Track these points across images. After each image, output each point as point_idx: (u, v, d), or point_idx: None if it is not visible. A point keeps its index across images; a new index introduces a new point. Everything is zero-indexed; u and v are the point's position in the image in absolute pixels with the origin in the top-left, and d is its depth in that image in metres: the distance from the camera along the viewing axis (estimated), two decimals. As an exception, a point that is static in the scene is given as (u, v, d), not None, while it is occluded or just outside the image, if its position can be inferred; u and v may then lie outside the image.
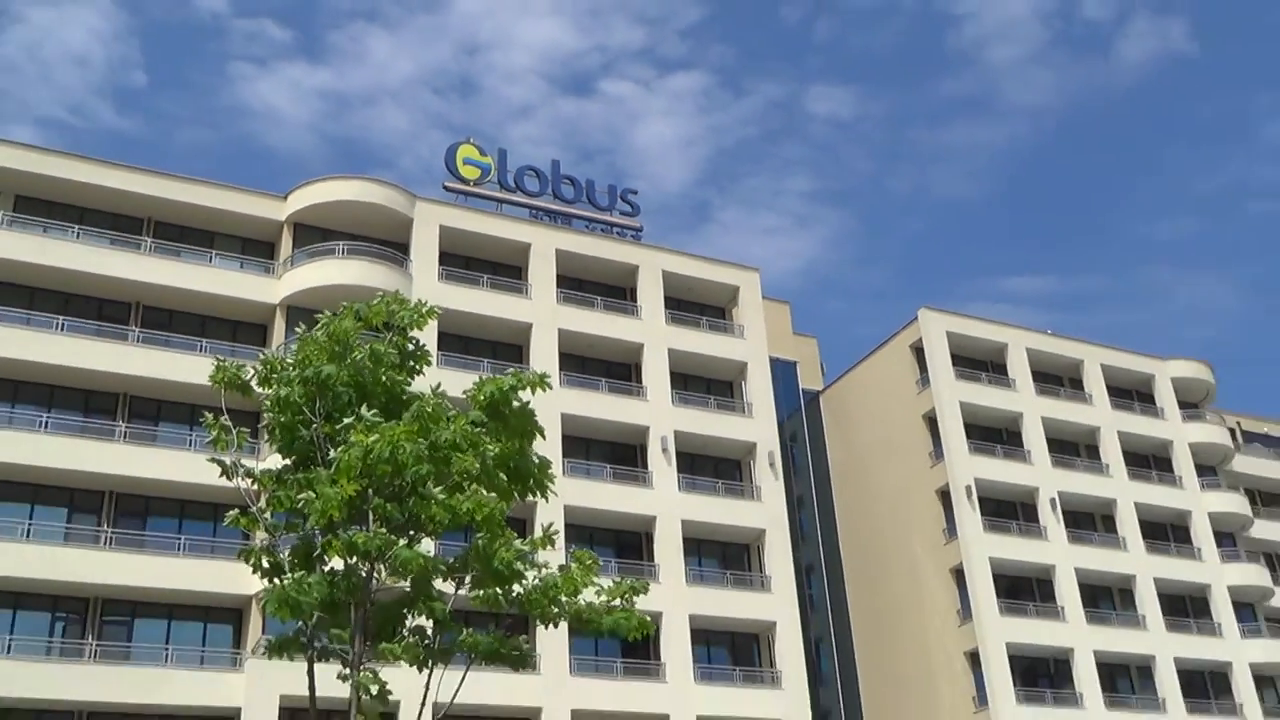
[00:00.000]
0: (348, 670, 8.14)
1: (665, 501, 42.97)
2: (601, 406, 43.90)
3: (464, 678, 9.36)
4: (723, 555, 44.98)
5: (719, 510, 44.31)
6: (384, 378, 8.88)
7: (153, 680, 34.11)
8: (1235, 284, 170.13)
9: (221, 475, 9.00)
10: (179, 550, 36.24)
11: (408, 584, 8.83)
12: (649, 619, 9.19)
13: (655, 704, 39.71)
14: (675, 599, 41.09)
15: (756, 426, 46.74)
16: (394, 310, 10.21)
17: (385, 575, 8.56)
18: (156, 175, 41.54)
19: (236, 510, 8.93)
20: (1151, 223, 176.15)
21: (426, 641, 8.64)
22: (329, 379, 9.01)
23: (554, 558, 9.42)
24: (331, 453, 8.27)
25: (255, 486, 9.02)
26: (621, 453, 44.50)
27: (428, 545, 8.11)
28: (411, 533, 8.07)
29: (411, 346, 9.87)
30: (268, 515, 8.52)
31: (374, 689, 8.50)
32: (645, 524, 42.55)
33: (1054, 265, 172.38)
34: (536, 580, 9.06)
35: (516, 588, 9.01)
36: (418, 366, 9.61)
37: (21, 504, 35.85)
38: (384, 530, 8.24)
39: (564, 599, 8.81)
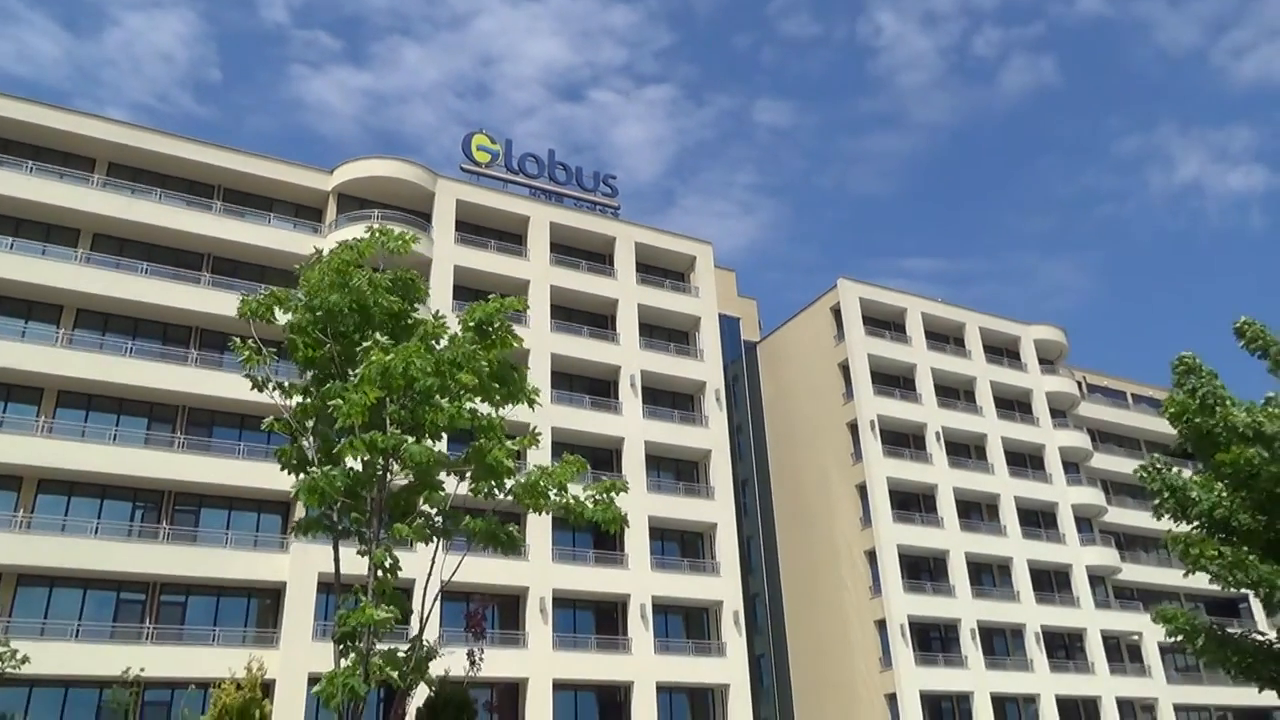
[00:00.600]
0: (366, 547, 7.69)
1: (632, 425, 42.64)
2: (583, 349, 43.44)
3: (463, 558, 8.89)
4: (676, 470, 44.76)
5: (675, 434, 44.03)
6: (383, 301, 8.37)
7: (214, 559, 33.57)
8: (1084, 268, 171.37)
9: (254, 388, 8.48)
10: (238, 454, 35.50)
11: (415, 477, 8.36)
12: (624, 513, 8.77)
13: (619, 585, 39.61)
14: (637, 504, 40.75)
15: (706, 368, 46.37)
16: (383, 240, 9.73)
17: (398, 469, 8.07)
18: (225, 149, 40.31)
19: (273, 417, 8.42)
20: (1021, 218, 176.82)
21: (432, 524, 8.17)
22: (335, 306, 8.48)
23: (540, 457, 8.97)
24: (350, 371, 7.80)
25: (286, 398, 8.49)
26: (598, 386, 44.06)
27: (433, 446, 7.68)
28: (419, 435, 7.60)
29: (406, 279, 9.32)
30: (298, 420, 8.03)
31: (388, 562, 8.03)
32: (615, 443, 42.21)
33: (944, 250, 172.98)
34: (522, 477, 8.58)
35: (508, 481, 8.53)
36: (415, 296, 9.08)
37: (109, 414, 35.00)
38: (398, 431, 7.76)
39: (552, 492, 8.36)
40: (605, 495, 8.70)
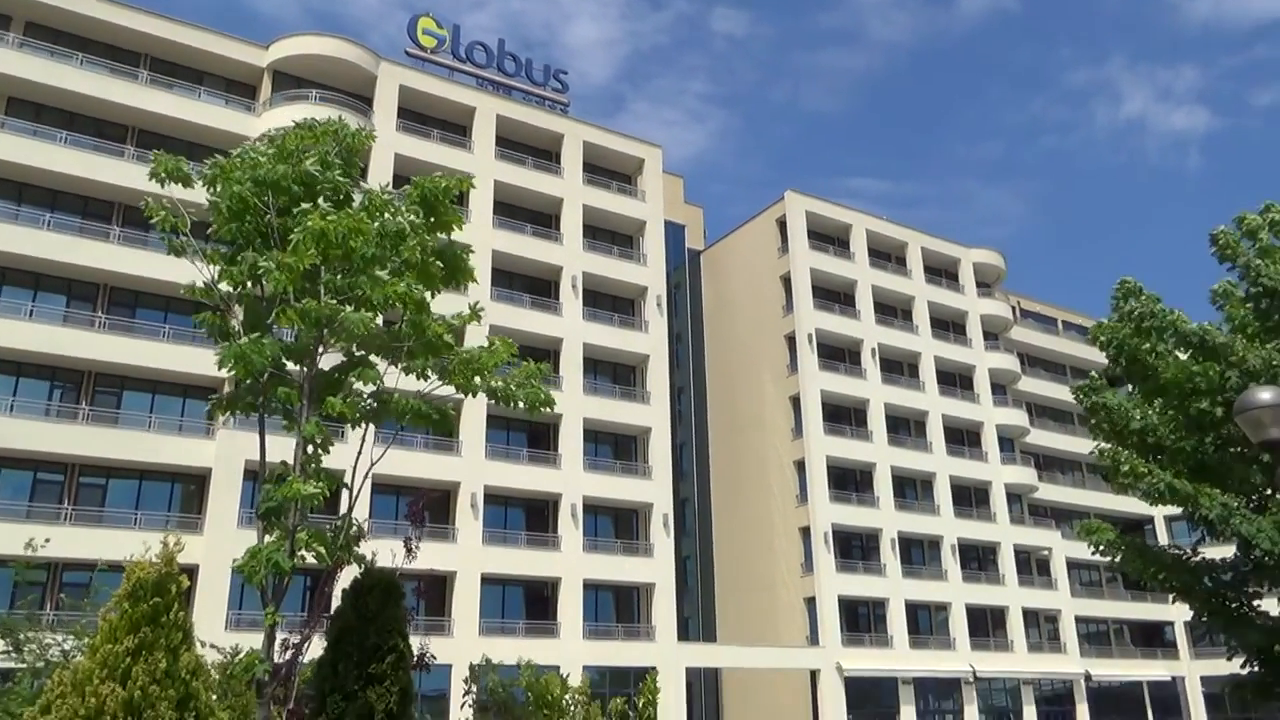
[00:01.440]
0: (294, 423, 7.30)
1: (571, 327, 42.30)
2: (525, 247, 42.65)
3: (392, 439, 8.56)
4: (614, 374, 44.70)
5: (614, 338, 43.82)
6: (332, 178, 7.79)
7: (137, 442, 32.72)
8: (1024, 198, 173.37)
9: (171, 253, 7.87)
10: (163, 337, 34.35)
11: (353, 349, 7.94)
12: (553, 399, 8.51)
13: (551, 484, 39.81)
14: (573, 405, 40.84)
15: (649, 274, 45.98)
16: (339, 131, 9.08)
17: (332, 340, 7.64)
18: (155, 16, 37.88)
19: (194, 282, 7.86)
20: (967, 145, 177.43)
21: (363, 403, 7.80)
22: (282, 177, 7.87)
23: (477, 338, 8.58)
24: (283, 240, 7.28)
25: (209, 265, 7.88)
26: (539, 286, 43.44)
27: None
28: (356, 308, 7.19)
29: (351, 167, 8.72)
30: (222, 286, 7.47)
31: (319, 437, 7.65)
32: (554, 344, 41.83)
33: (889, 172, 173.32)
34: (464, 353, 8.24)
35: (446, 360, 8.16)
36: (356, 175, 8.50)
37: (25, 289, 33.44)
38: (334, 302, 7.31)
39: (486, 373, 8.05)
40: (530, 380, 8.41)
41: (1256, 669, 12.48)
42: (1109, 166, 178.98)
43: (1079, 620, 55.21)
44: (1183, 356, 12.01)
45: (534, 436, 40.90)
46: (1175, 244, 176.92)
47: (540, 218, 44.68)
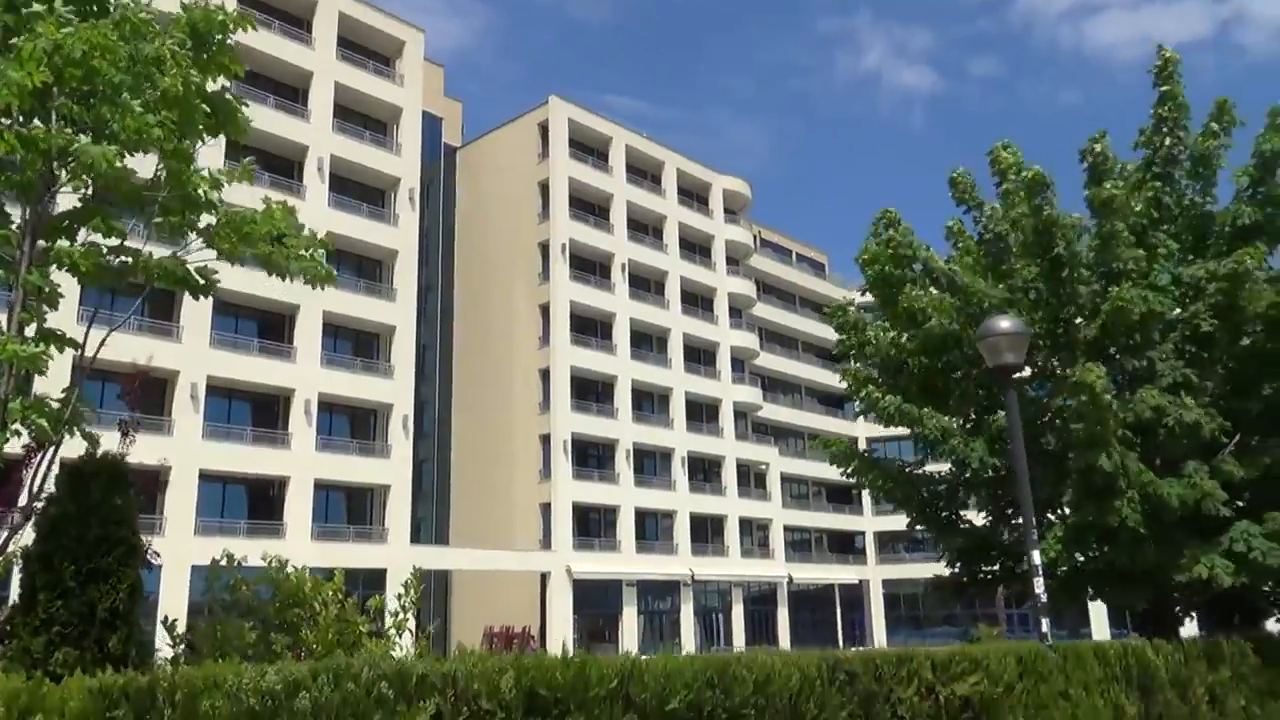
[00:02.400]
0: (12, 274, 6.09)
1: (315, 213, 39.24)
2: (266, 120, 38.55)
3: (139, 303, 7.45)
4: (359, 266, 42.45)
5: (361, 228, 41.48)
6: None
7: None
8: (769, 135, 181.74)
9: None
10: None
11: (89, 195, 6.72)
12: (334, 274, 7.74)
13: (284, 379, 37.54)
14: (313, 296, 38.48)
15: (403, 165, 43.80)
16: None
17: (66, 180, 6.42)
18: None
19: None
20: (722, 76, 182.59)
21: (105, 256, 6.65)
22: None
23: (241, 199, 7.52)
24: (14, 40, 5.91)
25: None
26: (280, 165, 40.00)
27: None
28: (97, 140, 5.98)
29: None
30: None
31: (45, 289, 6.45)
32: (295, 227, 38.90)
33: (646, 93, 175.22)
34: (233, 213, 7.22)
35: (206, 218, 7.11)
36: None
37: None
38: (69, 131, 6.09)
39: (257, 240, 7.11)
40: (310, 251, 7.54)
41: (957, 570, 13.99)
42: (845, 116, 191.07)
43: (786, 529, 60.19)
44: (933, 291, 12.94)
45: (267, 326, 38.25)
46: (896, 192, 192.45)
47: (284, 89, 41.01)
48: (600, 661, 5.64)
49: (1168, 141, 13.37)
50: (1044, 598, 9.48)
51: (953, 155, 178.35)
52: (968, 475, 12.83)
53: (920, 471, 14.04)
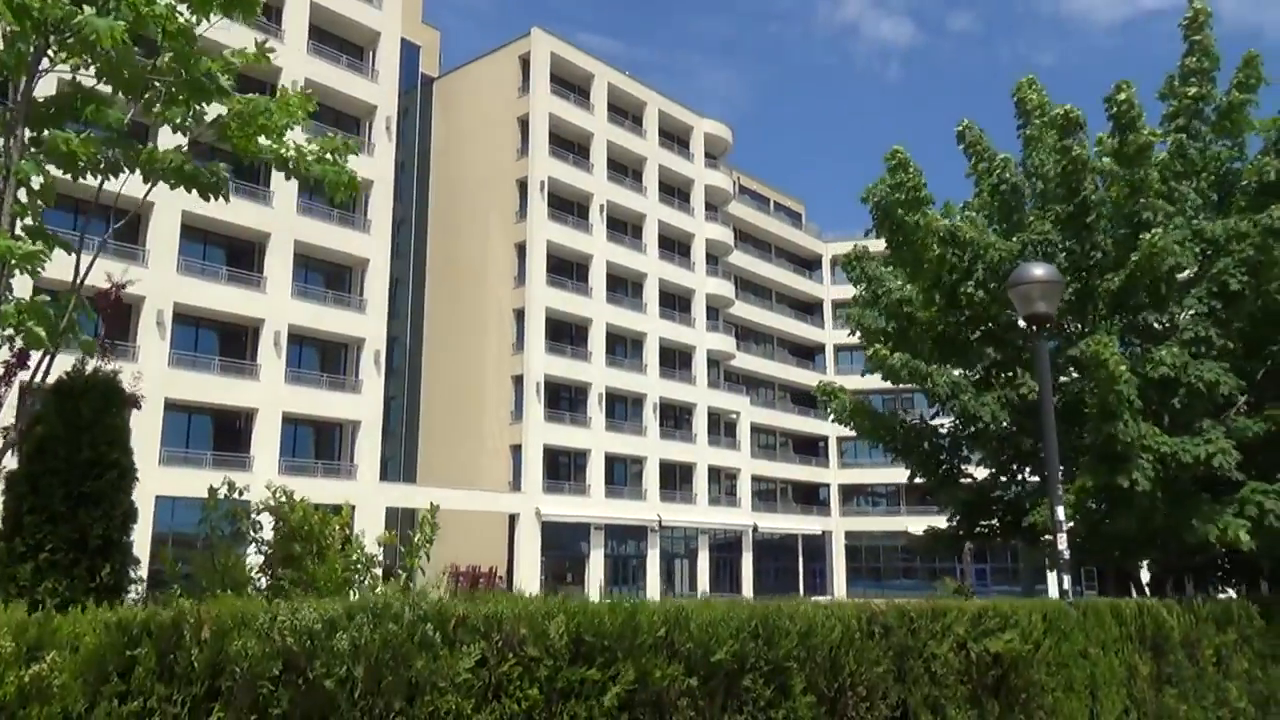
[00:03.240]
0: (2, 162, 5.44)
1: (287, 136, 38.13)
2: (235, 38, 36.92)
3: (148, 192, 6.81)
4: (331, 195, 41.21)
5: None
6: None
7: None
8: (746, 81, 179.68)
9: None
10: None
11: (77, 78, 6.04)
12: (358, 182, 7.17)
13: (254, 308, 36.61)
14: (284, 224, 37.55)
15: (380, 92, 42.44)
16: None
17: (62, 56, 5.75)
18: None
19: None
20: (698, 19, 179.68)
21: (106, 144, 6.00)
22: None
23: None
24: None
25: None
26: (249, 83, 38.24)
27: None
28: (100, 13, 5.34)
29: None
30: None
31: (37, 180, 5.80)
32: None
33: (623, 32, 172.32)
34: (245, 101, 6.59)
35: (217, 108, 6.48)
36: None
37: None
38: (66, 1, 5.42)
39: (273, 134, 6.50)
40: (334, 155, 6.92)
41: (955, 523, 13.81)
42: (821, 65, 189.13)
43: (754, 479, 60.44)
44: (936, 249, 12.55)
45: (236, 254, 37.18)
46: (873, 145, 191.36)
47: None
48: (648, 607, 5.26)
49: (1192, 92, 13.02)
50: (1066, 553, 9.26)
51: (928, 110, 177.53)
52: (973, 430, 12.57)
53: (923, 423, 13.81)
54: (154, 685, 3.63)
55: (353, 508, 34.34)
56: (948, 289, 12.40)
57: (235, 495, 7.51)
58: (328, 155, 6.96)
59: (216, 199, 6.58)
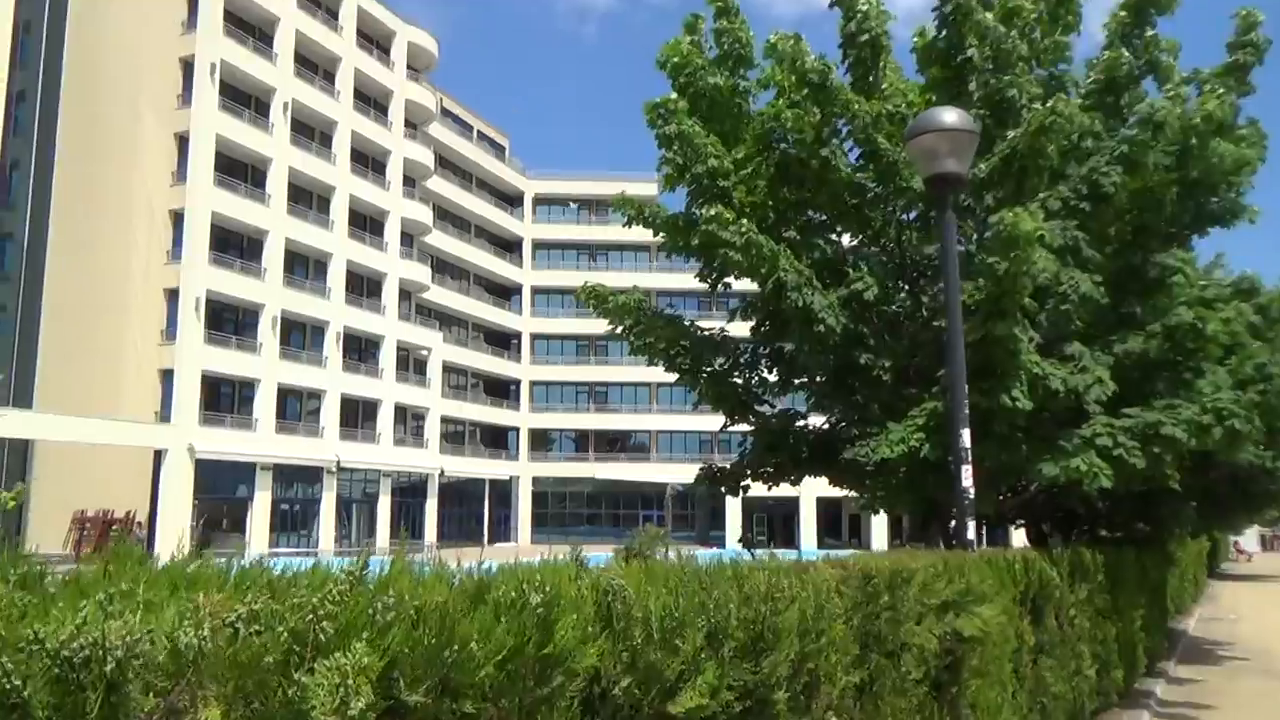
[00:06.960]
0: None
1: None
2: None
3: None
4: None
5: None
6: None
7: None
8: (447, 24, 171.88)
9: None
10: None
11: None
12: None
13: None
14: None
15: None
16: None
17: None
18: None
19: None
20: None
21: None
22: None
23: None
24: None
25: None
26: None
27: None
28: None
29: None
30: None
31: None
32: None
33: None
34: None
35: None
36: None
37: None
38: None
39: None
40: None
41: (747, 459, 11.39)
42: (523, 13, 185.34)
43: (443, 420, 56.63)
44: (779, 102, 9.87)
45: None
46: (573, 95, 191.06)
47: None
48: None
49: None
50: (970, 491, 6.91)
51: (627, 76, 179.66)
52: (808, 342, 9.89)
53: (721, 335, 11.20)
54: None
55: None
56: (787, 160, 9.77)
57: None
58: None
59: None
